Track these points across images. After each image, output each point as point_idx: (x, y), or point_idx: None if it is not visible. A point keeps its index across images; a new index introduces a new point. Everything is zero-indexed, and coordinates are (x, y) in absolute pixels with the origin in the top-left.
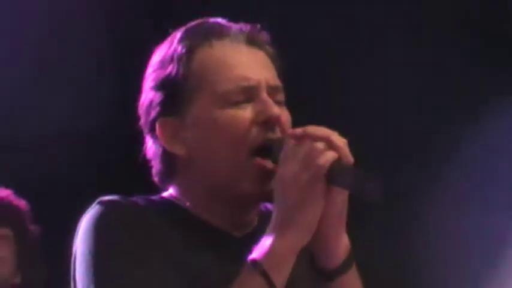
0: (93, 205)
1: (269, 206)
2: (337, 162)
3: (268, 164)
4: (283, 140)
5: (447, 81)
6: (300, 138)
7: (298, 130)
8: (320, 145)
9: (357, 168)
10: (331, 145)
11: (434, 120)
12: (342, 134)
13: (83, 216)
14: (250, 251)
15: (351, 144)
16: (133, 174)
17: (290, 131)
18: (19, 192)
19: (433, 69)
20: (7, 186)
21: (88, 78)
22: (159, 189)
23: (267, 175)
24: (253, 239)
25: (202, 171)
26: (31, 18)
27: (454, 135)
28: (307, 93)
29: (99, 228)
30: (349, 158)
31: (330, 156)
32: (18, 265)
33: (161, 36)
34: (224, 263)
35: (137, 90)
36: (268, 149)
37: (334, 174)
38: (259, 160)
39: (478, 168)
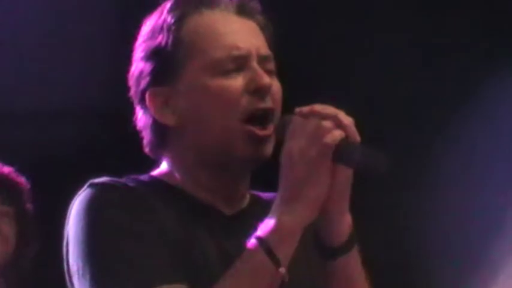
0: (84, 188)
1: (261, 194)
2: (344, 140)
3: (259, 130)
4: (289, 116)
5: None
6: (307, 116)
7: (306, 108)
8: (327, 123)
9: (362, 146)
10: (338, 123)
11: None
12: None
13: (74, 199)
14: (242, 228)
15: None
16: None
17: (298, 108)
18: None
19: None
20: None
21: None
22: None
23: (258, 140)
24: (245, 216)
25: (193, 139)
26: None
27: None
28: (299, 64)
29: (92, 209)
30: (356, 137)
31: (337, 134)
32: (16, 244)
33: None
34: (218, 240)
35: None
36: (259, 118)
37: (340, 152)
38: (251, 127)
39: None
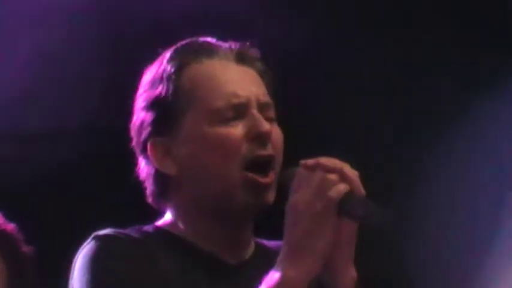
0: (88, 240)
1: (266, 242)
2: (349, 194)
3: (261, 178)
4: (294, 168)
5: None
6: (312, 169)
7: (311, 160)
8: (332, 176)
9: (367, 201)
10: (343, 177)
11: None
12: (353, 166)
13: (78, 252)
14: (245, 279)
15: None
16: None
17: (303, 161)
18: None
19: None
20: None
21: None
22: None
23: (259, 188)
24: (249, 267)
25: (194, 189)
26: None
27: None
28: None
29: (97, 261)
30: (361, 190)
31: (342, 188)
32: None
33: None
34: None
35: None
36: (260, 165)
37: (344, 206)
38: (252, 175)
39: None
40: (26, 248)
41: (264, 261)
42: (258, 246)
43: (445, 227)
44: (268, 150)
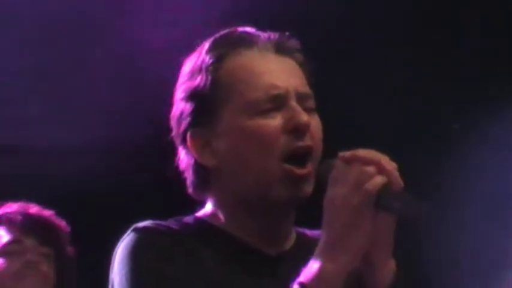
0: (128, 232)
1: (308, 232)
2: (386, 187)
3: (298, 169)
4: (331, 160)
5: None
6: (349, 161)
7: (348, 153)
8: (370, 169)
9: (404, 193)
10: (380, 169)
11: None
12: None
13: (118, 244)
14: (287, 271)
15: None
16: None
17: (340, 153)
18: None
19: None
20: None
21: None
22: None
23: (297, 180)
24: (289, 258)
25: (233, 181)
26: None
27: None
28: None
29: (136, 255)
30: (399, 182)
31: (379, 180)
32: (55, 285)
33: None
34: (260, 283)
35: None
36: (298, 157)
37: (382, 199)
38: (289, 167)
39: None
40: (70, 248)
41: (305, 252)
42: (299, 236)
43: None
44: (306, 142)
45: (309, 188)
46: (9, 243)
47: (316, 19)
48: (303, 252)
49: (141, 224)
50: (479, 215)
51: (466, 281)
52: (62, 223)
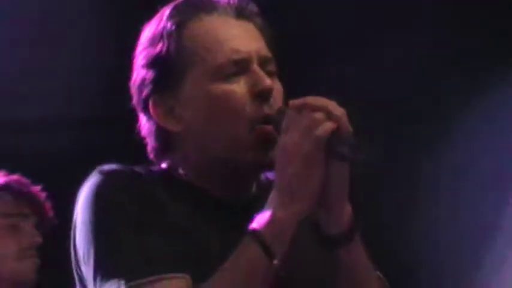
0: (93, 173)
1: (269, 175)
2: (335, 132)
3: (271, 129)
4: (283, 110)
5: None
6: (300, 109)
7: (298, 100)
8: (319, 115)
9: (352, 138)
10: (329, 115)
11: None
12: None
13: (83, 185)
14: (249, 219)
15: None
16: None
17: (291, 101)
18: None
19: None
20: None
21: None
22: None
23: (270, 142)
24: (253, 206)
25: (201, 146)
26: None
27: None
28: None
29: (100, 195)
30: (347, 128)
31: (328, 126)
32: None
33: None
34: (224, 232)
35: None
36: (267, 121)
37: (331, 145)
38: (261, 127)
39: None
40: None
41: (266, 198)
42: (260, 181)
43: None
44: (272, 108)
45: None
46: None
47: None
48: (264, 199)
49: (106, 166)
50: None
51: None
52: (43, 193)
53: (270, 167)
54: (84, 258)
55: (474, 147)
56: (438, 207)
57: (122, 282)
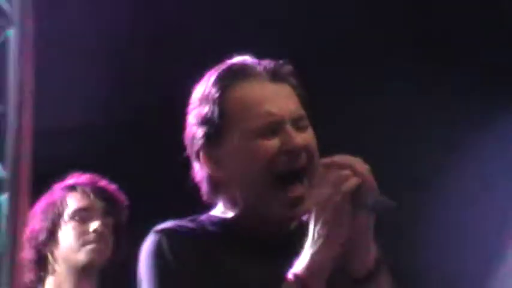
0: (149, 234)
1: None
2: (360, 187)
3: (290, 192)
4: (313, 168)
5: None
6: (328, 167)
7: (327, 159)
8: (346, 172)
9: (376, 193)
10: (355, 172)
11: None
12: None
13: (142, 245)
14: (287, 254)
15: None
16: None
17: (321, 161)
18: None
19: None
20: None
21: None
22: None
23: (296, 200)
24: (290, 243)
25: (239, 195)
26: None
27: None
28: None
29: (154, 257)
30: (372, 182)
31: (353, 181)
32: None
33: None
34: (264, 268)
35: None
36: (293, 176)
37: (357, 198)
38: (280, 193)
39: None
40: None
41: (301, 235)
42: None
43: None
44: (302, 162)
45: (303, 208)
46: (80, 210)
47: None
48: (300, 236)
49: (160, 226)
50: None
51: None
52: (123, 197)
53: (296, 220)
54: None
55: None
56: None
57: None
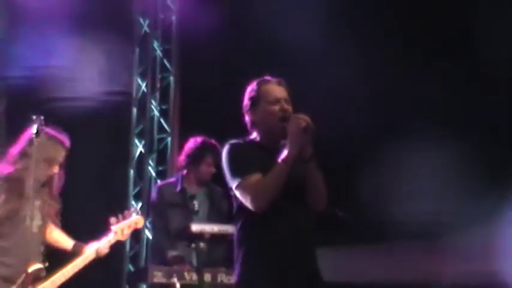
0: (227, 144)
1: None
2: (308, 125)
3: (287, 125)
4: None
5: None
6: (296, 117)
7: (296, 114)
8: (302, 118)
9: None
10: (305, 119)
11: None
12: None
13: (223, 149)
14: (278, 154)
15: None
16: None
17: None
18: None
19: None
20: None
21: None
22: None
23: (285, 121)
24: (279, 150)
25: (261, 128)
26: None
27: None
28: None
29: (230, 153)
30: (312, 126)
31: (304, 123)
32: None
33: None
34: (270, 159)
35: None
36: (284, 118)
37: (306, 130)
38: (283, 124)
39: None
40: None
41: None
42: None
43: None
44: (287, 114)
45: (286, 127)
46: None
47: None
48: (283, 147)
49: (231, 141)
50: None
51: None
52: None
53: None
54: (228, 174)
55: None
56: None
57: (239, 177)
